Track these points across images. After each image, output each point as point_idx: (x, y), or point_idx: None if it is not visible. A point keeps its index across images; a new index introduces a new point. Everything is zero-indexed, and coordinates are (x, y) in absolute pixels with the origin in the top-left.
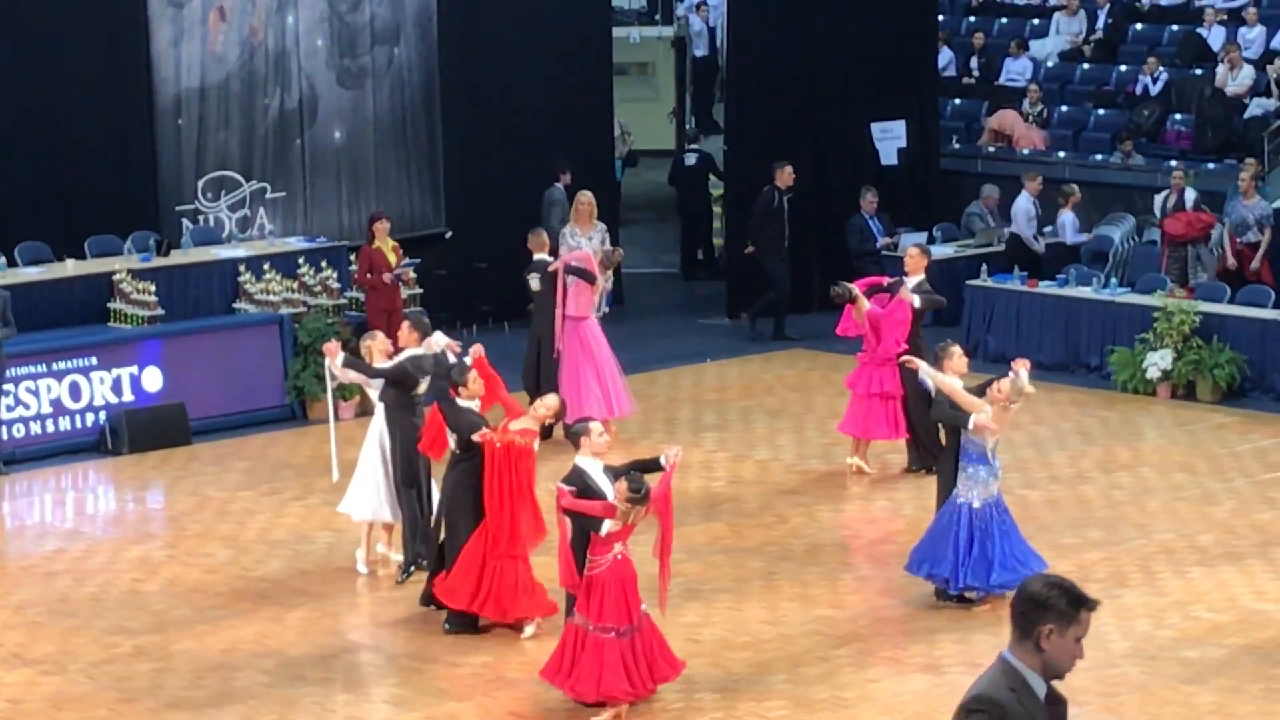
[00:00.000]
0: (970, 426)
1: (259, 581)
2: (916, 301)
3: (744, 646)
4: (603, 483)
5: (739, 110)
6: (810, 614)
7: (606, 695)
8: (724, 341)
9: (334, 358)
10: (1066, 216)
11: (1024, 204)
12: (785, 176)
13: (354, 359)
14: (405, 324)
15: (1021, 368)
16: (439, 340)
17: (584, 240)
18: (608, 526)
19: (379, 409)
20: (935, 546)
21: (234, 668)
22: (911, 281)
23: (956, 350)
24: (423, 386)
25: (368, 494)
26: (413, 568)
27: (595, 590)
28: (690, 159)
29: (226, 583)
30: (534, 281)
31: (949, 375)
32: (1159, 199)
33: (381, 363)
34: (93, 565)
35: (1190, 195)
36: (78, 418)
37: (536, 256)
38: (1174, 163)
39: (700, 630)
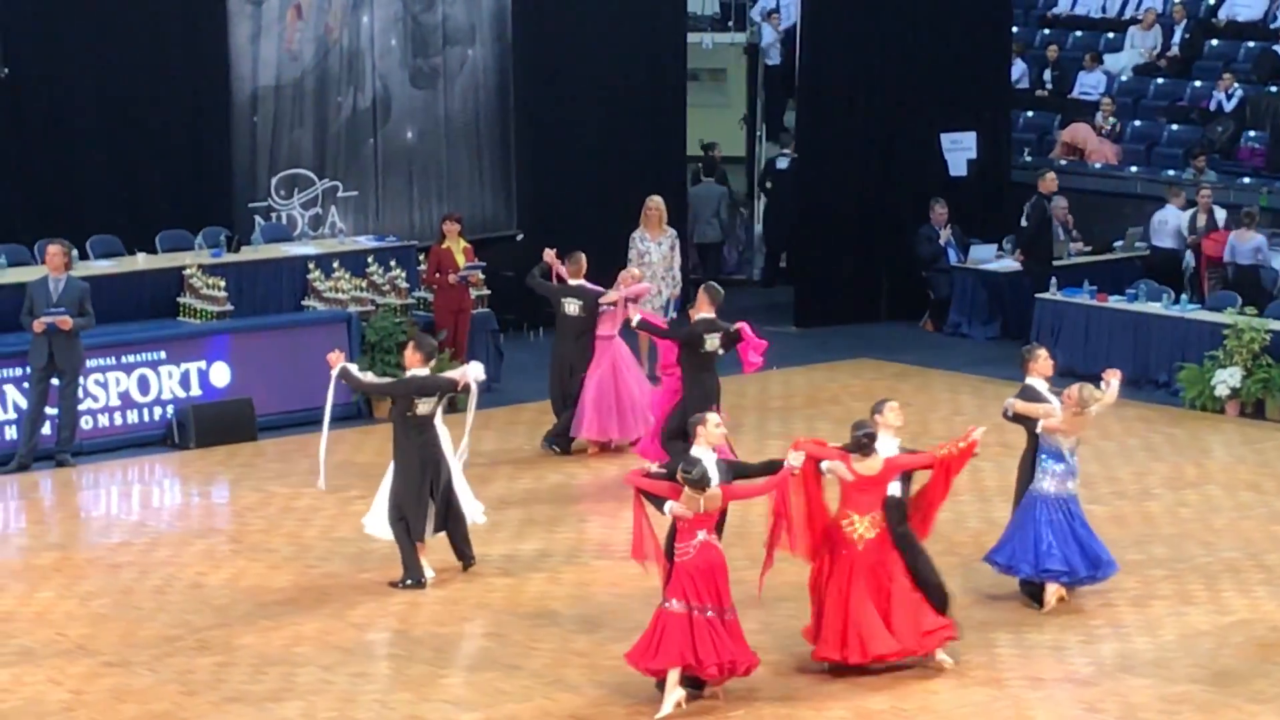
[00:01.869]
0: (1039, 429)
1: (321, 578)
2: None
3: (806, 655)
4: (714, 474)
5: (810, 118)
6: None
7: (686, 663)
8: (790, 350)
9: (334, 367)
10: (1258, 238)
11: (1171, 217)
12: (1049, 183)
13: (352, 373)
14: (411, 344)
15: (1114, 378)
16: (476, 371)
17: (653, 246)
18: (670, 508)
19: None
20: (1015, 537)
21: (295, 663)
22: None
23: (1042, 353)
24: (423, 408)
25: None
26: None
27: (685, 575)
28: (783, 163)
29: (289, 579)
30: (572, 306)
31: (1034, 377)
32: (1185, 217)
33: (382, 380)
34: (157, 558)
35: (1220, 214)
36: (145, 411)
37: (575, 283)
38: (1188, 173)
39: (761, 638)
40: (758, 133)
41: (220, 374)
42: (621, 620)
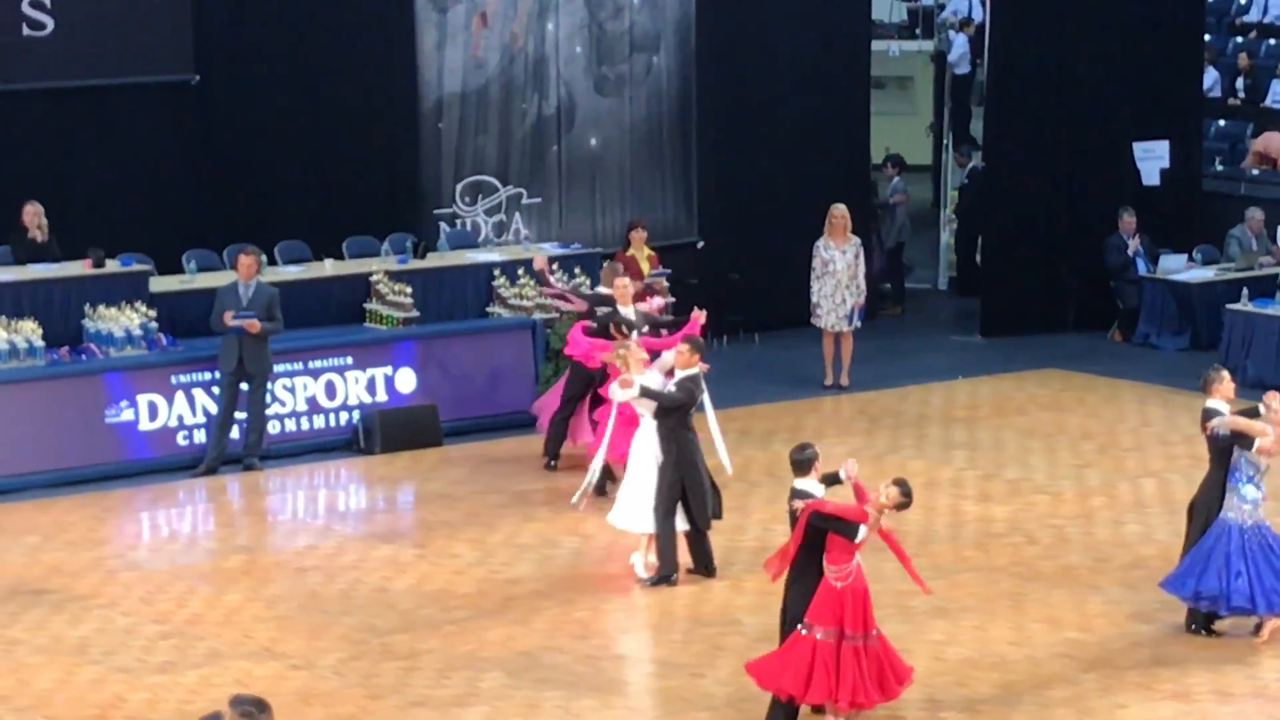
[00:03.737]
0: (1254, 449)
1: (505, 584)
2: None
3: (990, 667)
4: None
5: (998, 126)
6: (1058, 636)
7: (831, 698)
8: (976, 359)
9: (631, 388)
10: None
11: None
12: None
13: (650, 389)
14: (688, 347)
15: (1274, 400)
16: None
17: (837, 254)
18: (862, 534)
19: (649, 423)
20: (1201, 565)
21: (479, 669)
22: (680, 374)
23: (1225, 375)
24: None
25: (643, 505)
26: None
27: (839, 602)
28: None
29: (473, 584)
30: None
31: (1217, 399)
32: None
33: (667, 385)
34: (343, 563)
35: None
36: (332, 416)
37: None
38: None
39: (946, 649)
40: (945, 141)
41: (406, 380)
42: None
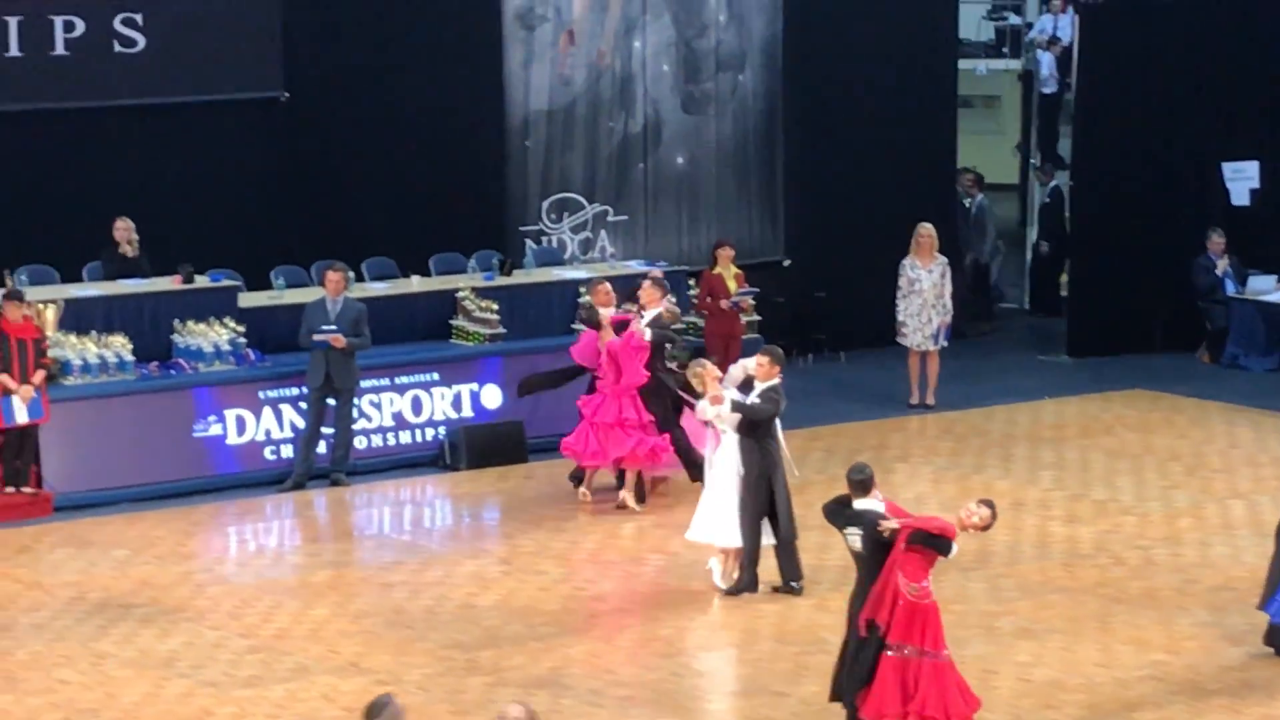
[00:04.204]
0: None
1: (590, 601)
2: (648, 335)
3: (1076, 689)
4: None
5: (1086, 146)
6: (1145, 658)
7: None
8: (1063, 379)
9: (722, 404)
10: None
11: None
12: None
13: (742, 403)
14: (767, 358)
15: None
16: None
17: (923, 273)
18: (955, 550)
19: (730, 439)
20: None
21: (564, 685)
22: (648, 315)
23: None
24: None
25: (723, 520)
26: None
27: (926, 617)
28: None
29: (558, 601)
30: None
31: None
32: None
33: (749, 398)
34: (429, 578)
35: None
36: (418, 432)
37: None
38: None
39: (1032, 670)
40: (1031, 160)
41: (492, 396)
42: None
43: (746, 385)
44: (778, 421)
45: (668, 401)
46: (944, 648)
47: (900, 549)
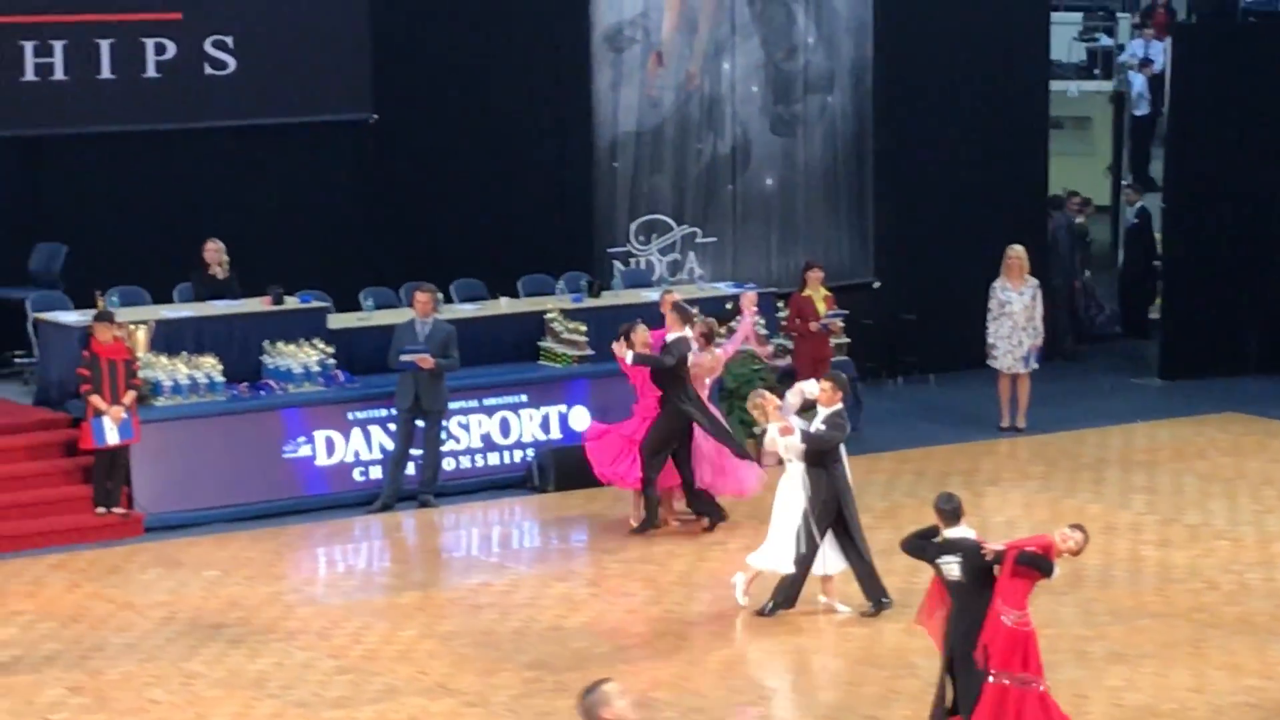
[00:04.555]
0: None
1: (679, 623)
2: (629, 357)
3: (1169, 714)
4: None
5: (1178, 168)
6: (1239, 684)
7: None
8: (1155, 402)
9: (792, 434)
10: None
11: None
12: None
13: (812, 434)
14: (830, 384)
15: None
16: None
17: (1014, 295)
18: (1056, 570)
19: (795, 467)
20: None
21: (652, 708)
22: (669, 338)
23: None
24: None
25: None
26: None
27: (1027, 644)
28: (1131, 212)
29: (647, 623)
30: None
31: None
32: None
33: (814, 425)
34: (517, 600)
35: None
36: (506, 454)
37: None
38: None
39: (1124, 695)
40: (1123, 182)
41: (580, 418)
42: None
43: (804, 410)
44: (843, 446)
45: (675, 430)
46: (1042, 675)
47: (1007, 573)
